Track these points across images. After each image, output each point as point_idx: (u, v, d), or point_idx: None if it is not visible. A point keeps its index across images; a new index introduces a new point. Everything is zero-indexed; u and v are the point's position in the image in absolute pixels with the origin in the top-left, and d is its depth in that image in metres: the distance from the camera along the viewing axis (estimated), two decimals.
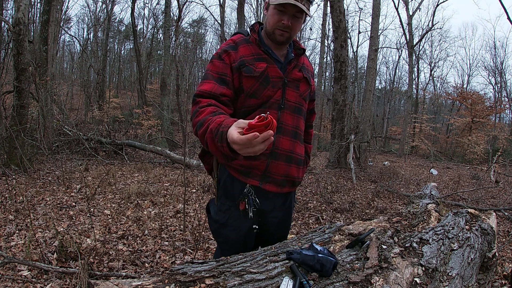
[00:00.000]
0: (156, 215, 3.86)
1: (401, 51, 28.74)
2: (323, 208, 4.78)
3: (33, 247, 2.65)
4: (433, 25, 22.33)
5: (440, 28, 27.74)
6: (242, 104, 1.41)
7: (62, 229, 3.08)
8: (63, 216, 3.64)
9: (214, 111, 1.24)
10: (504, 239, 3.91)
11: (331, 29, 10.55)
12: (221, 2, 20.79)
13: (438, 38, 30.32)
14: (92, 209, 3.88)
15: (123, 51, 36.64)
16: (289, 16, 1.35)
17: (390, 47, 30.93)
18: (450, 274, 1.28)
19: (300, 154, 1.52)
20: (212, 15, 28.44)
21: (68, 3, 25.74)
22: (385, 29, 36.29)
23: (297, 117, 1.48)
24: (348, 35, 22.18)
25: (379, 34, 12.89)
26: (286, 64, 1.46)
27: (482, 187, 7.30)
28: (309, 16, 1.43)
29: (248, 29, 1.51)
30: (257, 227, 1.46)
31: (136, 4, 19.39)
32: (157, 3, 31.00)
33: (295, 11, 1.34)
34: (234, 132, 0.98)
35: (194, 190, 5.30)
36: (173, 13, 20.57)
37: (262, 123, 0.91)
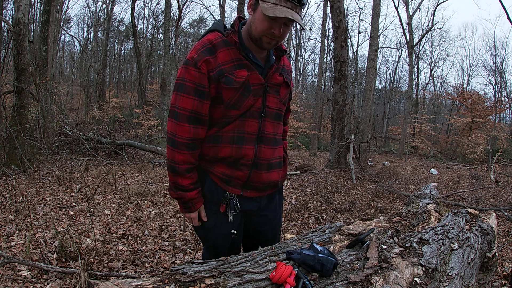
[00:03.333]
0: (156, 215, 3.86)
1: (401, 51, 28.78)
2: (323, 208, 4.78)
3: (33, 247, 2.65)
4: (433, 25, 22.34)
5: (440, 28, 27.72)
6: (222, 115, 1.34)
7: (62, 229, 3.08)
8: (63, 216, 3.64)
9: (191, 161, 1.35)
10: (504, 239, 3.91)
11: (331, 29, 10.56)
12: (221, 2, 20.80)
13: (438, 38, 30.28)
14: (92, 209, 3.88)
15: (123, 51, 36.68)
16: (281, 24, 1.24)
17: (390, 47, 30.95)
18: (450, 274, 1.28)
19: (279, 156, 1.49)
20: (212, 15, 28.40)
21: (68, 3, 25.73)
22: (385, 29, 36.28)
23: (276, 124, 1.44)
24: (348, 35, 22.19)
25: (379, 34, 12.89)
26: (267, 68, 1.37)
27: (482, 187, 7.30)
28: (303, 27, 1.37)
29: (228, 26, 1.39)
30: (235, 232, 1.43)
31: (136, 4, 19.41)
32: (157, 3, 31.02)
33: (288, 20, 1.24)
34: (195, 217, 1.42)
35: None
36: (173, 13, 20.59)
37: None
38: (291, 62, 25.83)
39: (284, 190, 6.01)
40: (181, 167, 1.33)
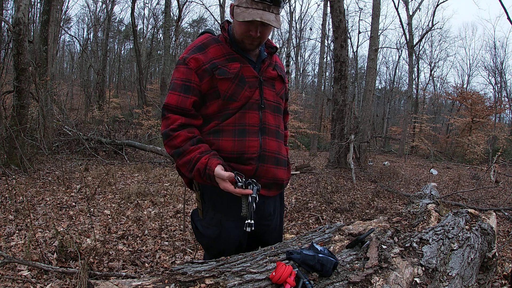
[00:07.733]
0: (156, 215, 3.86)
1: (401, 51, 28.77)
2: (323, 208, 4.78)
3: (33, 247, 2.65)
4: (433, 25, 22.33)
5: (440, 28, 27.69)
6: (220, 109, 1.34)
7: (62, 229, 3.08)
8: (63, 216, 3.64)
9: (189, 136, 1.29)
10: (504, 239, 3.91)
11: (331, 29, 10.55)
12: (221, 2, 20.81)
13: (438, 38, 30.28)
14: (92, 209, 3.88)
15: (123, 51, 36.66)
16: (256, 26, 1.25)
17: (390, 47, 30.94)
18: (450, 274, 1.28)
19: (284, 155, 1.48)
20: (212, 15, 28.38)
21: (68, 3, 25.69)
22: (385, 29, 36.23)
23: (277, 116, 1.44)
24: (348, 35, 22.16)
25: (379, 34, 12.89)
26: (259, 63, 1.40)
27: (482, 187, 7.29)
28: (277, 27, 1.30)
29: (219, 28, 1.43)
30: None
31: (136, 4, 19.41)
32: (157, 3, 31.00)
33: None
34: (226, 185, 1.21)
35: None
36: (173, 13, 20.59)
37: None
38: (291, 62, 25.86)
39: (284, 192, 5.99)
40: (184, 146, 1.29)
